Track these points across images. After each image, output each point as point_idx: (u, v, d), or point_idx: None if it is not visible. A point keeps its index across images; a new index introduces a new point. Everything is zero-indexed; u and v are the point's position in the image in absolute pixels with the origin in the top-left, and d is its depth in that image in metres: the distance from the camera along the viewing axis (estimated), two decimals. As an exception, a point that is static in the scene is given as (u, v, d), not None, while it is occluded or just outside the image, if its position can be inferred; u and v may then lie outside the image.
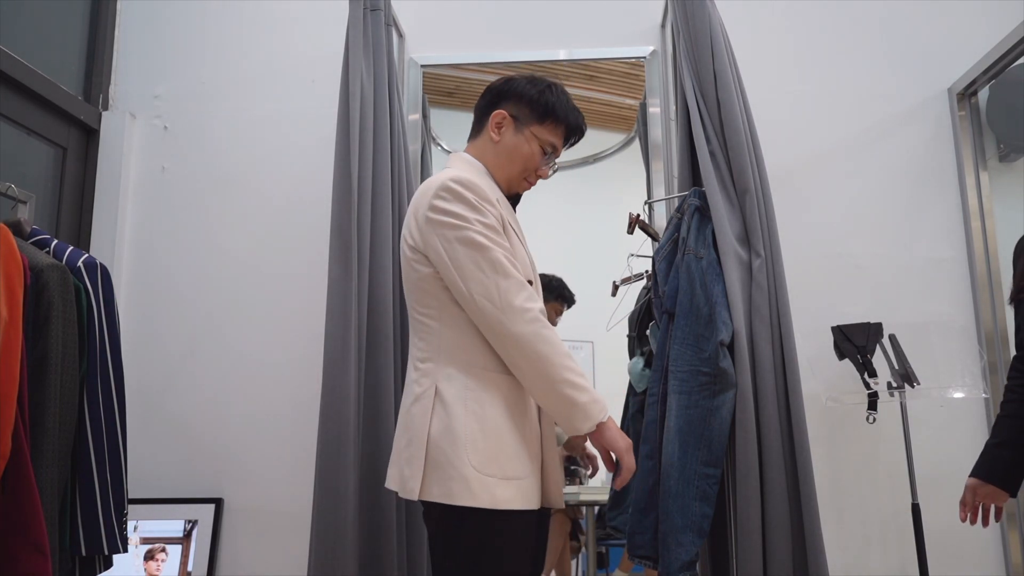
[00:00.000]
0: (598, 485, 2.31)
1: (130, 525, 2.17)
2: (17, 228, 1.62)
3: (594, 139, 2.47)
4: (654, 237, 2.18)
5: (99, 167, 2.45)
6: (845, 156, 2.37)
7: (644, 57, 2.45)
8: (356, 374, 1.89)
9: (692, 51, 2.00)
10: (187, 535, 2.23)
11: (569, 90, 1.64)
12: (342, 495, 1.79)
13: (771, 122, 2.22)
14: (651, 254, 2.07)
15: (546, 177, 1.64)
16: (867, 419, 1.96)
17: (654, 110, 2.41)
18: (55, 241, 1.68)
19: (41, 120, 2.26)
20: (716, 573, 1.89)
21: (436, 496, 1.36)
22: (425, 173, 2.44)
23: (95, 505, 1.58)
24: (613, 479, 1.49)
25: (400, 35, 2.48)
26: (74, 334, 1.58)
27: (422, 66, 2.49)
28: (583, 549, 2.41)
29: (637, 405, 2.09)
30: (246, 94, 2.53)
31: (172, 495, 2.26)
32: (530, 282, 1.46)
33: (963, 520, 1.70)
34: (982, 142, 2.33)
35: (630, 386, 2.17)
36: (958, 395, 2.02)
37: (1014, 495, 1.66)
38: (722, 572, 1.84)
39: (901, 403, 1.98)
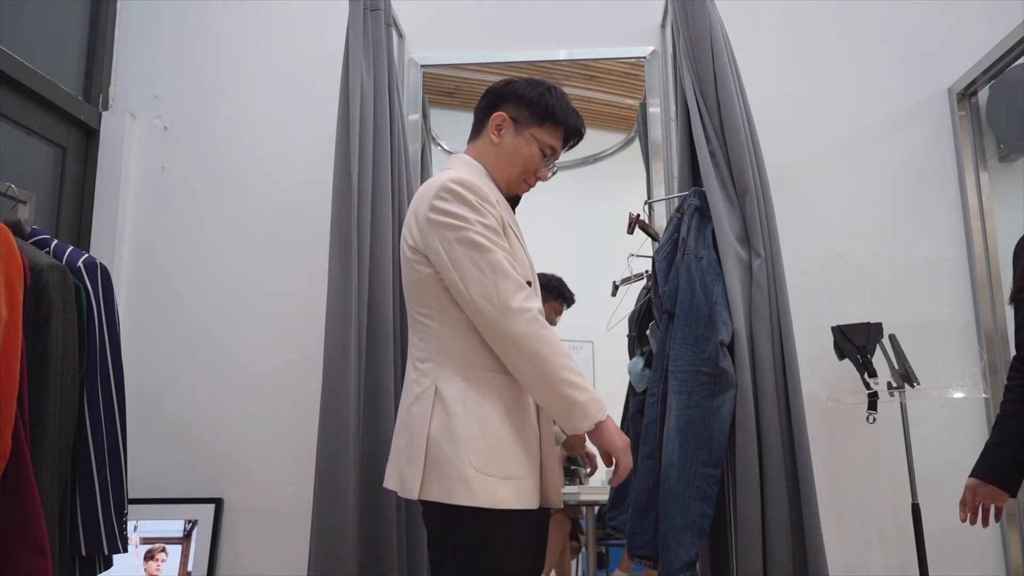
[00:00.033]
0: (598, 485, 2.32)
1: (130, 525, 2.17)
2: (17, 228, 1.62)
3: (594, 139, 2.46)
4: (654, 237, 2.18)
5: (99, 167, 2.45)
6: (845, 156, 2.37)
7: (644, 57, 2.45)
8: (356, 374, 1.89)
9: (692, 51, 2.00)
10: (187, 535, 2.23)
11: (569, 90, 1.65)
12: (342, 495, 1.79)
13: (771, 122, 2.22)
14: (651, 254, 2.08)
15: (545, 179, 1.64)
16: (867, 419, 1.96)
17: (654, 110, 2.41)
18: (55, 241, 1.68)
19: (41, 120, 2.26)
20: (716, 573, 1.89)
21: (436, 496, 1.37)
22: (425, 173, 2.44)
23: (95, 505, 1.58)
24: (611, 477, 1.49)
25: (400, 35, 2.48)
26: (74, 334, 1.58)
27: (422, 66, 2.49)
28: (583, 549, 2.41)
29: (637, 405, 2.09)
30: (246, 94, 2.53)
31: (172, 495, 2.26)
32: (529, 283, 1.47)
33: (963, 520, 1.70)
34: (982, 142, 2.33)
35: (630, 386, 2.17)
36: (958, 395, 2.02)
37: (1014, 495, 1.65)
38: (722, 572, 1.84)
39: (901, 403, 1.98)
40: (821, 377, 2.12)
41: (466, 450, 1.37)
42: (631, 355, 2.22)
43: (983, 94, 2.34)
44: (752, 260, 1.84)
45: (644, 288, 2.21)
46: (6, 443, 1.38)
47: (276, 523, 2.24)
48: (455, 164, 1.59)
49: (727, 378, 1.73)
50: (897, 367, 1.99)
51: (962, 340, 2.16)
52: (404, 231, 1.52)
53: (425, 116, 2.48)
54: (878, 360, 2.01)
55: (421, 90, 2.48)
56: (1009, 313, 1.84)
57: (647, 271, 2.17)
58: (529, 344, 1.38)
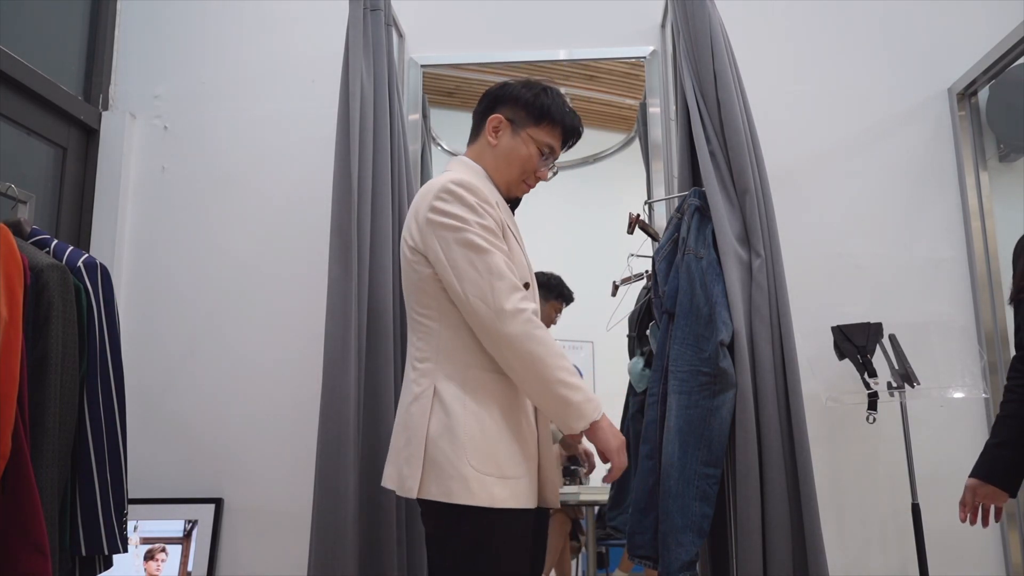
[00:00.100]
0: (598, 485, 2.31)
1: (130, 525, 2.17)
2: (17, 228, 1.62)
3: (594, 139, 2.47)
4: (654, 237, 2.18)
5: (99, 167, 2.45)
6: (845, 156, 2.37)
7: (644, 57, 2.45)
8: (356, 374, 1.89)
9: (692, 51, 2.00)
10: (187, 535, 2.23)
11: (569, 90, 1.65)
12: (342, 495, 1.79)
13: (771, 122, 2.22)
14: (651, 254, 2.07)
15: (546, 179, 1.65)
16: (867, 419, 1.96)
17: (654, 110, 2.41)
18: (55, 241, 1.68)
19: (41, 120, 2.26)
20: (716, 573, 1.89)
21: (434, 495, 1.37)
22: (425, 173, 2.44)
23: (95, 505, 1.58)
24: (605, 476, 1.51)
25: (400, 35, 2.48)
26: (74, 334, 1.58)
27: (422, 66, 2.49)
28: (583, 549, 2.41)
29: (637, 405, 2.09)
30: (246, 94, 2.53)
31: (172, 495, 2.26)
32: (527, 285, 1.48)
33: (963, 520, 1.70)
34: (982, 142, 2.33)
35: (630, 386, 2.17)
36: (958, 395, 2.02)
37: (1014, 495, 1.65)
38: (722, 572, 1.84)
39: (901, 403, 1.98)
40: (821, 377, 2.12)
41: (465, 450, 1.38)
42: (631, 355, 2.22)
43: (983, 94, 2.34)
44: (752, 260, 1.84)
45: (644, 288, 2.21)
46: (6, 443, 1.38)
47: (276, 523, 2.24)
48: (455, 166, 1.60)
49: (727, 378, 1.73)
50: (897, 367, 1.99)
51: (962, 340, 2.16)
52: (404, 232, 1.53)
53: (425, 116, 2.49)
54: (878, 360, 2.01)
55: (421, 90, 2.48)
56: (1009, 313, 1.84)
57: (647, 271, 2.17)
58: (523, 344, 1.38)
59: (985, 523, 1.69)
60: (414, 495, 1.39)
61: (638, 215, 2.10)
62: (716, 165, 1.91)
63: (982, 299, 2.23)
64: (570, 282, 2.37)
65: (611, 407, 2.18)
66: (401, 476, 1.42)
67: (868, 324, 2.04)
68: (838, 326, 2.07)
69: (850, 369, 2.05)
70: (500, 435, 1.42)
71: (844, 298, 2.25)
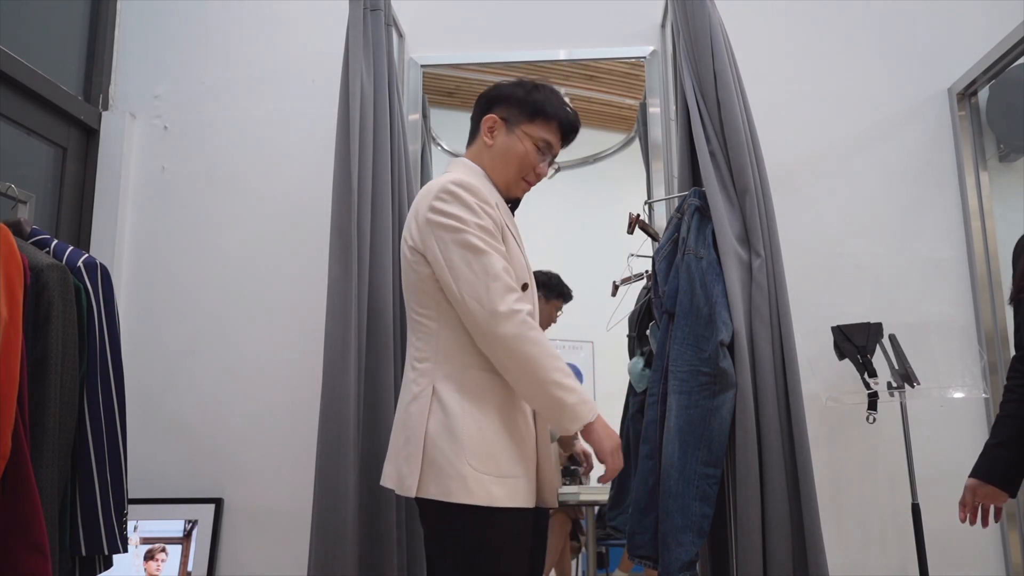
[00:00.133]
0: (598, 485, 2.31)
1: (130, 525, 2.17)
2: (17, 228, 1.62)
3: (594, 139, 2.47)
4: (654, 237, 2.18)
5: (99, 167, 2.45)
6: (845, 156, 2.37)
7: (644, 57, 2.45)
8: (356, 374, 1.89)
9: (692, 51, 2.00)
10: (187, 535, 2.23)
11: (569, 90, 1.66)
12: (342, 495, 1.79)
13: (771, 122, 2.22)
14: (651, 254, 2.08)
15: (546, 175, 1.65)
16: (867, 419, 1.96)
17: (654, 110, 2.41)
18: (55, 241, 1.68)
19: (41, 120, 2.26)
20: (716, 573, 1.89)
21: (433, 494, 1.38)
22: (425, 173, 2.44)
23: (95, 505, 1.58)
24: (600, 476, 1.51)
25: (400, 35, 2.48)
26: (74, 334, 1.58)
27: (422, 66, 2.49)
28: (583, 549, 2.41)
29: (637, 405, 2.08)
30: (246, 94, 2.53)
31: (172, 495, 2.26)
32: (525, 286, 1.48)
33: (963, 521, 1.70)
34: (982, 142, 2.33)
35: (630, 386, 2.17)
36: (958, 395, 2.02)
37: (1014, 495, 1.65)
38: (722, 572, 1.84)
39: (901, 403, 1.98)
40: (821, 377, 2.12)
41: (463, 449, 1.38)
42: (631, 355, 2.22)
43: (983, 94, 2.34)
44: (752, 260, 1.84)
45: (644, 288, 2.21)
46: (6, 443, 1.38)
47: (276, 523, 2.24)
48: (455, 167, 1.61)
49: (727, 378, 1.73)
50: (897, 367, 1.99)
51: (962, 340, 2.16)
52: (404, 232, 1.54)
53: (425, 116, 2.49)
54: (878, 360, 2.01)
55: (421, 90, 2.48)
56: (1009, 313, 1.84)
57: (647, 271, 2.17)
58: (517, 345, 1.39)
59: (985, 523, 1.69)
60: (413, 494, 1.39)
61: (638, 215, 2.10)
62: (716, 165, 1.91)
63: (982, 299, 2.23)
64: (570, 282, 2.37)
65: (611, 407, 2.18)
66: (400, 475, 1.42)
67: (868, 324, 2.04)
68: (838, 326, 2.07)
69: (850, 369, 2.05)
70: (498, 435, 1.43)
71: (844, 298, 2.25)
